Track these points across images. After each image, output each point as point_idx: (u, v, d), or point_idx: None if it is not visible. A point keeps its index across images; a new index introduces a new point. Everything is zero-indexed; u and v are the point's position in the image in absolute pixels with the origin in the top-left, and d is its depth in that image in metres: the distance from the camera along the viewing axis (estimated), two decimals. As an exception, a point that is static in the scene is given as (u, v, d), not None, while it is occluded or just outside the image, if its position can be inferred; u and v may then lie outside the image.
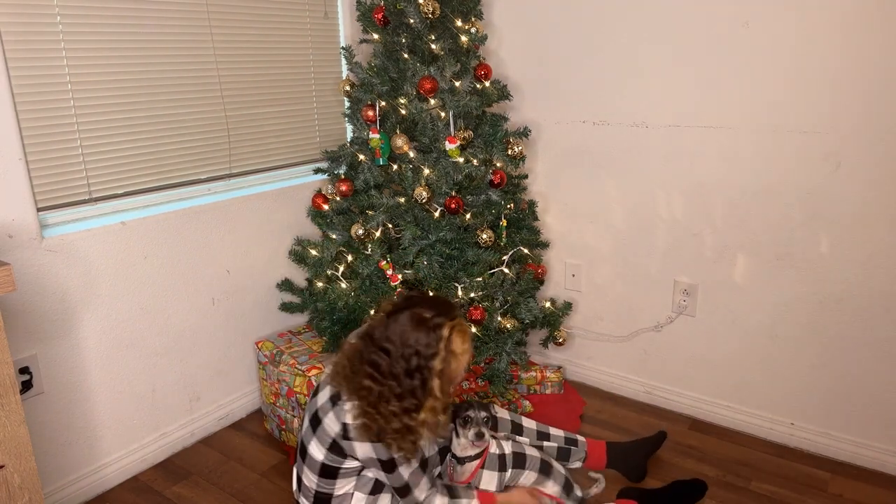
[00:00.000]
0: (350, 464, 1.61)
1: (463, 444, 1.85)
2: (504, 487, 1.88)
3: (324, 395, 1.63)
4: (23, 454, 1.51)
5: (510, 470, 1.88)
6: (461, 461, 1.86)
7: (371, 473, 1.64)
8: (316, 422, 1.62)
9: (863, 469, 2.19)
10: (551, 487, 1.90)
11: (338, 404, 1.57)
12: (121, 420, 2.18)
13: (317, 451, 1.62)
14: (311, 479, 1.65)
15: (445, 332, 1.53)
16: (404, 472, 1.59)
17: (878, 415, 2.15)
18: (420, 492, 1.63)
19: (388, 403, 1.51)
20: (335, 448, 1.59)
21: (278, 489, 2.14)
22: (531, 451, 1.92)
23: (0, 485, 1.48)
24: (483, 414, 1.83)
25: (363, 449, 1.55)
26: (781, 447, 2.33)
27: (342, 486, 1.64)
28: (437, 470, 1.74)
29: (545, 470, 1.90)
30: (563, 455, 2.07)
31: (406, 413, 1.52)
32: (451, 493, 1.71)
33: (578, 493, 1.95)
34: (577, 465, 2.10)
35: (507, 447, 1.90)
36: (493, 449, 1.88)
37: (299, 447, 1.72)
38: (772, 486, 2.11)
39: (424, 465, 1.64)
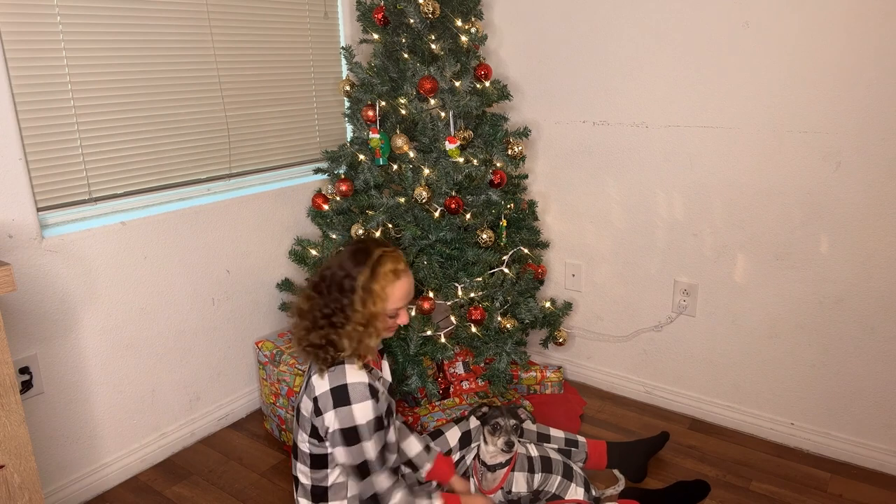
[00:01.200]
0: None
1: (492, 452, 1.86)
2: (535, 491, 1.89)
3: (303, 384, 1.68)
4: (23, 454, 1.51)
5: (539, 473, 1.89)
6: (492, 469, 1.86)
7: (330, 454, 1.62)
8: (297, 413, 1.66)
9: (863, 469, 2.19)
10: (576, 491, 1.90)
11: (308, 385, 1.62)
12: (121, 420, 2.18)
13: (302, 443, 1.64)
14: (305, 475, 1.66)
15: (376, 253, 1.60)
16: (366, 447, 1.56)
17: (878, 415, 2.15)
18: (379, 478, 1.60)
19: (321, 321, 1.58)
20: (314, 433, 1.60)
21: (278, 489, 2.14)
22: (555, 455, 1.94)
23: (0, 485, 1.48)
24: (512, 421, 1.84)
25: (328, 419, 1.56)
26: (781, 447, 2.33)
27: (334, 476, 1.64)
28: (394, 458, 1.71)
29: (568, 474, 1.92)
30: (564, 456, 2.07)
31: (332, 327, 1.56)
32: (412, 492, 1.68)
33: (594, 492, 1.96)
34: (579, 465, 2.10)
35: (533, 450, 1.92)
36: (521, 450, 1.89)
37: (293, 447, 1.73)
38: (772, 486, 2.12)
39: (380, 424, 1.60)
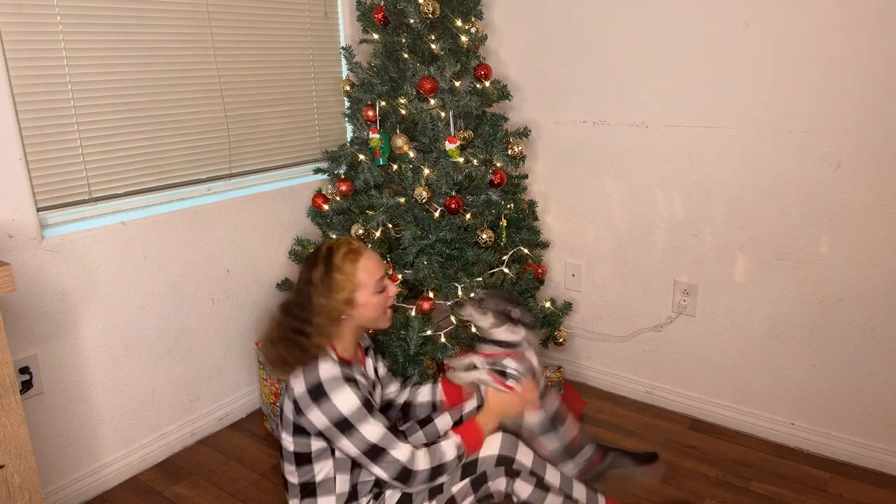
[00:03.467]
0: (317, 443, 1.61)
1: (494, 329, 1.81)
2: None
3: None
4: (23, 454, 1.51)
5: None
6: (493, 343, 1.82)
7: (338, 450, 1.62)
8: (281, 414, 1.68)
9: (863, 469, 2.19)
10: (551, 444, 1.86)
11: (287, 387, 1.63)
12: (121, 420, 2.18)
13: (286, 442, 1.64)
14: (292, 474, 1.66)
15: (323, 248, 1.65)
16: (366, 430, 1.56)
17: (878, 415, 2.15)
18: (397, 451, 1.58)
19: (289, 333, 1.62)
20: (298, 430, 1.61)
21: (278, 489, 2.14)
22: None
23: (0, 485, 1.48)
24: (530, 318, 1.83)
25: (314, 418, 1.56)
26: (781, 447, 2.33)
27: (321, 471, 1.64)
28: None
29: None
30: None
31: (300, 334, 1.60)
32: (430, 448, 1.66)
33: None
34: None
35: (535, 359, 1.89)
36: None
37: (280, 450, 1.74)
38: (772, 486, 2.12)
39: (369, 406, 1.59)
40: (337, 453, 1.63)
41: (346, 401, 1.56)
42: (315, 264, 1.63)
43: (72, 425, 2.05)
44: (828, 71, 2.00)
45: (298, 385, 1.58)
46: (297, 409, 1.59)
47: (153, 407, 2.27)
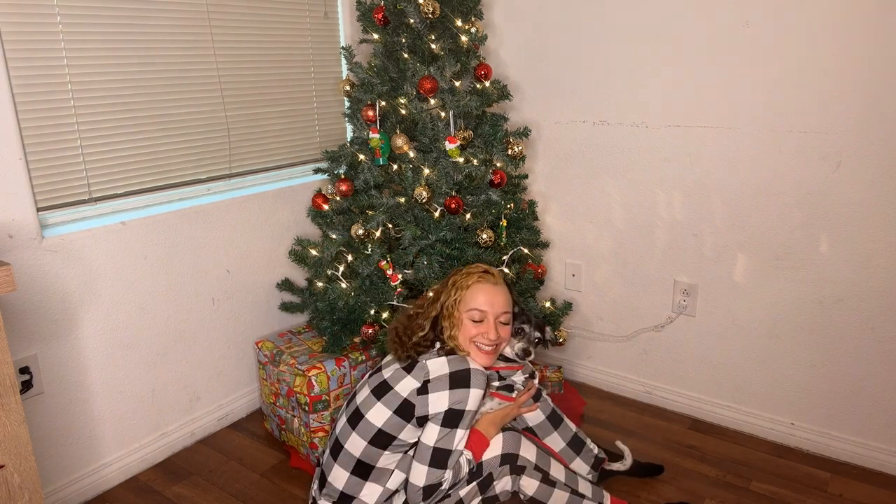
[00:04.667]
0: (407, 435, 1.67)
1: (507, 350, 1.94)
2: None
3: (391, 368, 1.76)
4: (23, 454, 1.51)
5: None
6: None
7: (421, 436, 1.69)
8: (384, 388, 1.72)
9: (863, 469, 2.19)
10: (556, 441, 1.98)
11: (415, 367, 1.71)
12: (121, 420, 2.18)
13: (378, 417, 1.68)
14: (357, 447, 1.69)
15: (452, 276, 1.87)
16: (458, 434, 1.65)
17: (878, 415, 2.15)
18: (444, 474, 1.67)
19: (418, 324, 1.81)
20: (403, 409, 1.66)
21: (278, 489, 2.14)
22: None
23: (0, 485, 1.48)
24: (536, 334, 1.94)
25: (436, 399, 1.64)
26: (781, 447, 2.33)
27: (387, 460, 1.69)
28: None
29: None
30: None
31: (425, 320, 1.79)
32: None
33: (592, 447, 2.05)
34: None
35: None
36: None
37: (333, 442, 1.77)
38: (772, 486, 2.12)
39: (473, 419, 1.74)
40: (410, 451, 1.69)
41: (475, 400, 1.65)
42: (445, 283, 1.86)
43: (72, 425, 2.05)
44: (828, 71, 2.00)
45: (439, 367, 1.67)
46: (423, 389, 1.65)
47: (153, 407, 2.27)
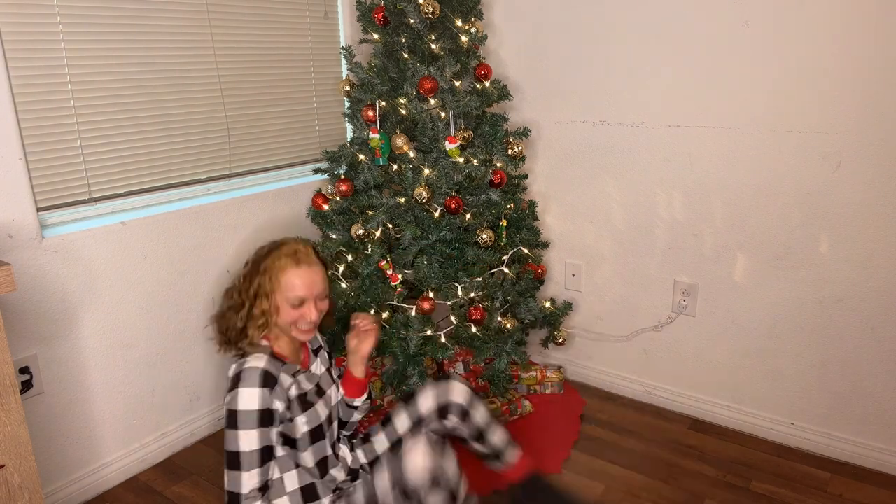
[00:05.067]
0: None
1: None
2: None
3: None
4: (23, 454, 1.51)
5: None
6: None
7: (279, 448, 1.58)
8: None
9: (863, 469, 2.19)
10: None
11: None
12: (121, 420, 2.18)
13: None
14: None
15: (261, 260, 1.69)
16: (241, 437, 1.49)
17: (878, 415, 2.15)
18: (246, 477, 1.49)
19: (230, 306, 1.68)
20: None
21: (278, 489, 2.14)
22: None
23: (0, 485, 1.48)
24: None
25: (225, 400, 1.55)
26: (781, 447, 2.33)
27: (275, 471, 1.60)
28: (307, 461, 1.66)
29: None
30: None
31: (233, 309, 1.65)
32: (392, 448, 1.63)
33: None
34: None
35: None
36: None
37: None
38: (772, 486, 2.12)
39: (266, 417, 1.52)
40: (277, 451, 1.58)
41: (247, 400, 1.50)
42: (253, 259, 1.70)
43: (72, 425, 2.05)
44: (828, 71, 2.00)
45: (231, 369, 1.58)
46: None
47: (153, 407, 2.27)
